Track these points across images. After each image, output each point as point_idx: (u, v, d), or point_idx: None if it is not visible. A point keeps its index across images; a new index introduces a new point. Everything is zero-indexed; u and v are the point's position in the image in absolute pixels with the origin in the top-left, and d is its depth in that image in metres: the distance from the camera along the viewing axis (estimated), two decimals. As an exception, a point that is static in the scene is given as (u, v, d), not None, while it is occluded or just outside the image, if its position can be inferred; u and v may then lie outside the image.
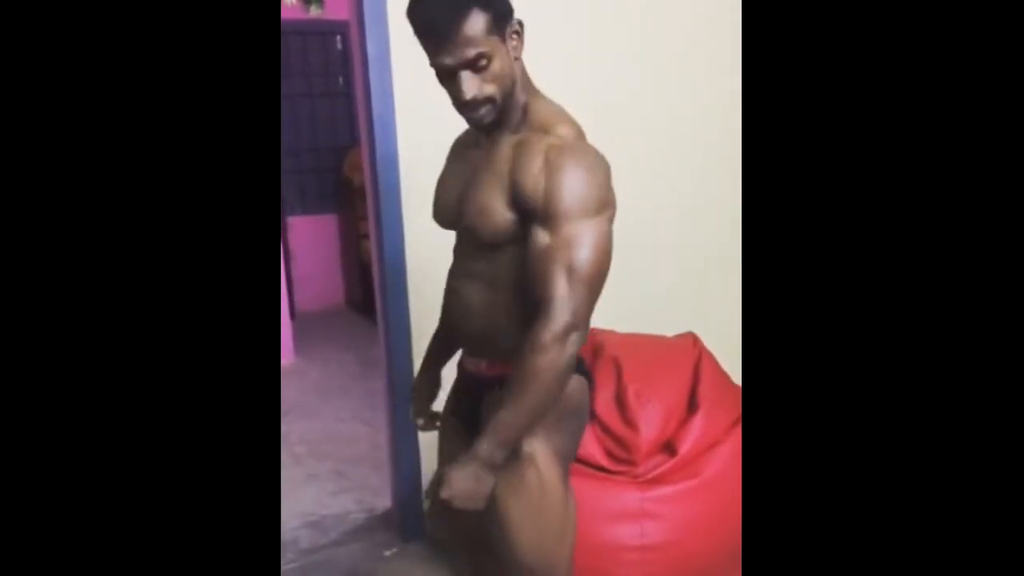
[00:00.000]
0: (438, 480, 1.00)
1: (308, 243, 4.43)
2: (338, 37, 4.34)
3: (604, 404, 1.67)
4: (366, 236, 3.04)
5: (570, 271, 0.95)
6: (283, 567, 1.96)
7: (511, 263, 1.04)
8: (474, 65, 0.98)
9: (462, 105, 1.02)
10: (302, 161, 4.38)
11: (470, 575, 1.39)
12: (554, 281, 0.95)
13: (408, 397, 1.94)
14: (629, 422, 1.62)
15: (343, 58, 4.35)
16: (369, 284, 3.09)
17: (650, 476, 1.58)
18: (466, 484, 0.98)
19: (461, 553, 1.43)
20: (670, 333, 1.90)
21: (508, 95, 1.03)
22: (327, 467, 2.54)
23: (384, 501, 2.26)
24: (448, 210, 1.14)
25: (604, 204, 1.00)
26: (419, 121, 1.78)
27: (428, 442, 1.99)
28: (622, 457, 1.61)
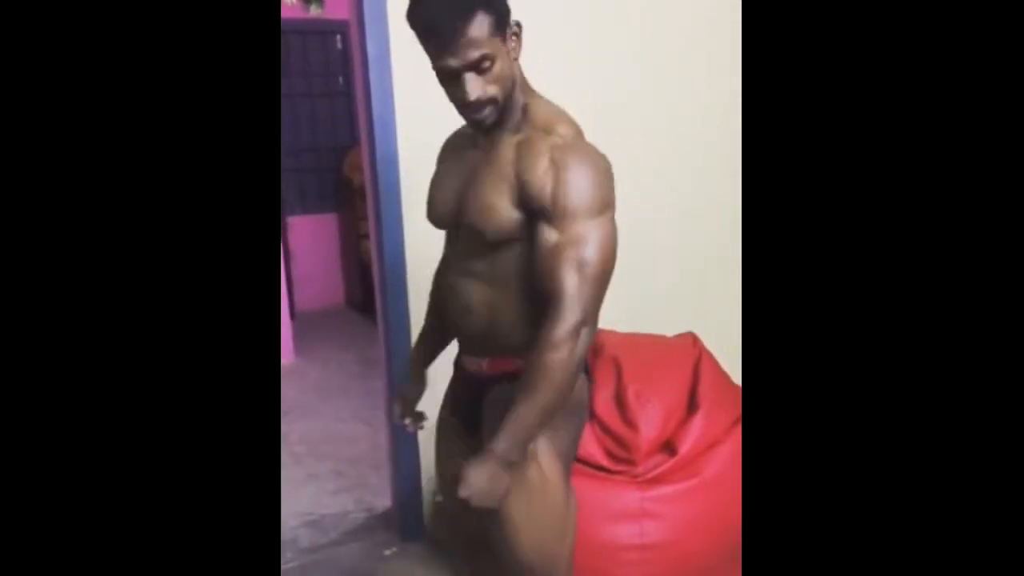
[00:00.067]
0: (454, 479, 1.00)
1: (308, 243, 4.43)
2: (338, 37, 4.34)
3: (604, 404, 1.67)
4: (366, 236, 3.04)
5: (579, 268, 0.97)
6: (283, 566, 1.96)
7: (513, 261, 1.06)
8: (478, 67, 0.99)
9: (465, 106, 1.03)
10: (302, 161, 4.38)
11: (470, 575, 1.39)
12: (564, 278, 0.97)
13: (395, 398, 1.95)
14: (629, 422, 1.62)
15: (343, 58, 4.35)
16: (369, 284, 3.09)
17: (650, 476, 1.58)
18: (484, 482, 0.98)
19: (461, 553, 1.43)
20: (670, 333, 1.90)
21: (508, 96, 1.04)
22: (327, 466, 2.54)
23: (384, 501, 2.26)
24: (445, 210, 1.14)
25: (609, 202, 1.02)
26: (419, 121, 1.78)
27: (428, 442, 1.99)
28: (622, 457, 1.61)
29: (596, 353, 1.76)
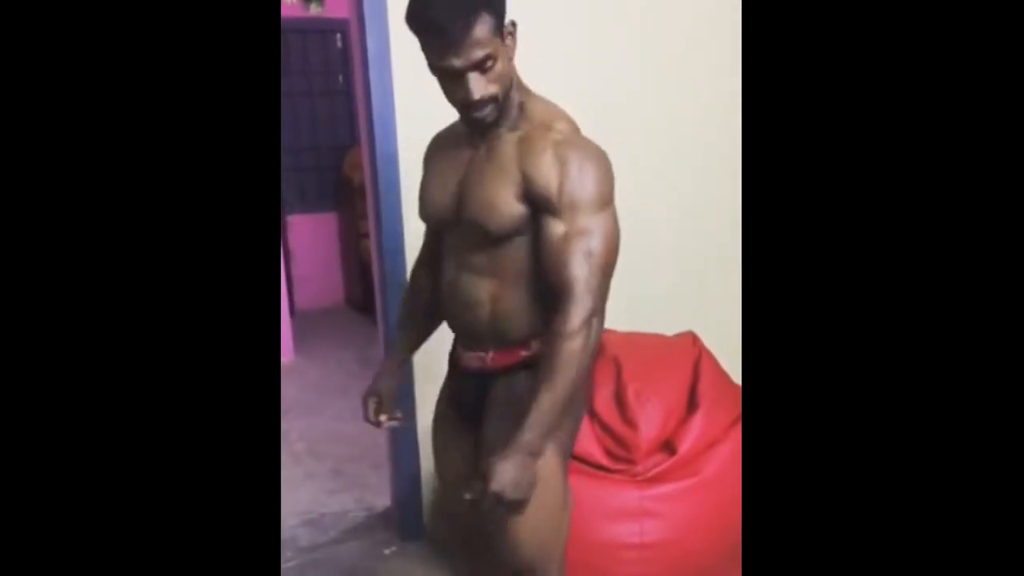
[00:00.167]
0: (482, 474, 1.01)
1: (308, 242, 4.43)
2: (338, 35, 4.33)
3: (604, 403, 1.67)
4: (366, 235, 3.04)
5: (587, 259, 1.00)
6: (282, 565, 1.96)
7: (516, 254, 1.08)
8: (481, 66, 1.01)
9: (468, 105, 1.04)
10: (302, 160, 4.38)
11: (468, 574, 1.40)
12: (574, 269, 1.00)
13: (402, 396, 1.95)
14: (629, 421, 1.62)
15: (343, 57, 4.34)
16: (369, 283, 3.09)
17: (649, 475, 1.58)
18: (514, 474, 0.99)
19: (460, 549, 1.44)
20: (670, 333, 1.90)
21: (507, 94, 1.06)
22: (326, 465, 2.54)
23: (383, 500, 2.26)
24: (442, 208, 1.15)
25: (611, 196, 1.05)
26: (419, 120, 1.78)
27: (427, 441, 1.99)
28: (622, 456, 1.61)
29: (596, 352, 1.76)
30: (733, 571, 1.58)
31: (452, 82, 1.03)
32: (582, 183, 1.02)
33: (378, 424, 1.30)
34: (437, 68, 1.03)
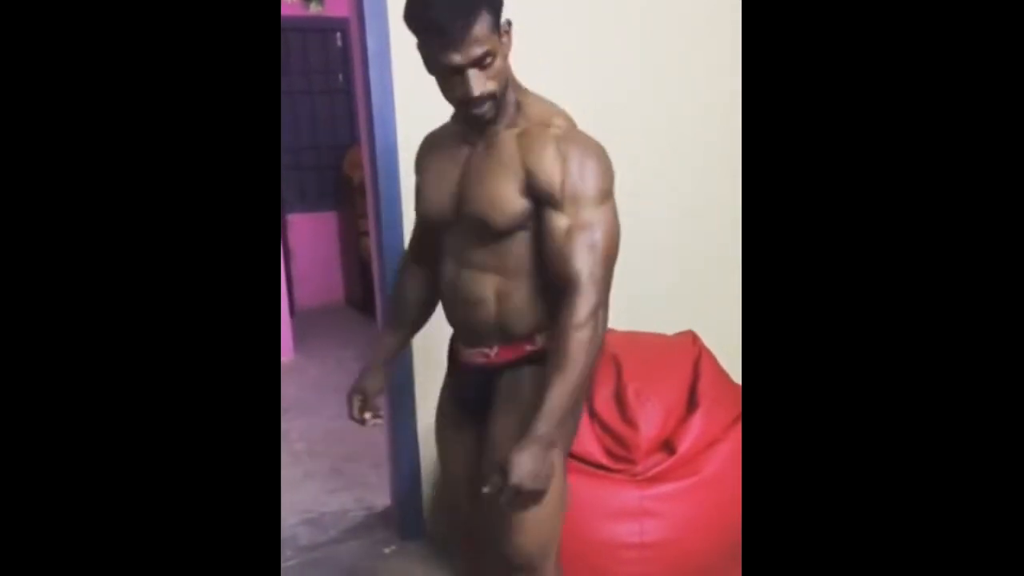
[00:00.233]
0: (500, 467, 1.02)
1: (308, 241, 4.43)
2: (338, 34, 4.33)
3: (603, 402, 1.67)
4: (366, 233, 3.04)
5: (591, 251, 1.03)
6: (282, 564, 1.96)
7: (520, 249, 1.10)
8: (481, 63, 1.02)
9: (467, 102, 1.05)
10: (302, 159, 4.37)
11: (468, 572, 1.40)
12: (579, 261, 1.02)
13: (402, 395, 1.95)
14: (628, 420, 1.62)
15: (343, 55, 4.34)
16: (369, 281, 3.08)
17: (649, 474, 1.58)
18: (532, 465, 1.00)
19: (460, 546, 1.44)
20: (670, 333, 1.90)
21: (504, 91, 1.07)
22: (326, 464, 2.54)
23: (383, 499, 2.26)
24: (442, 207, 1.16)
25: (611, 189, 1.07)
26: (419, 119, 1.78)
27: (427, 440, 1.99)
28: (621, 455, 1.61)
29: (602, 344, 1.76)
30: (733, 571, 1.58)
31: (451, 79, 1.04)
32: (583, 177, 1.04)
33: (362, 422, 1.31)
34: (437, 65, 1.04)
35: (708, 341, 1.85)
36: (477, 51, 1.00)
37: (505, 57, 1.06)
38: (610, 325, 1.81)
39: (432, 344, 1.75)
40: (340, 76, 4.42)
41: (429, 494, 2.05)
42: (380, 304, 2.00)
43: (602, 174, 1.06)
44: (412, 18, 1.03)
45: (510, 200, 1.07)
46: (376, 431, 2.66)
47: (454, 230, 1.16)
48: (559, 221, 1.04)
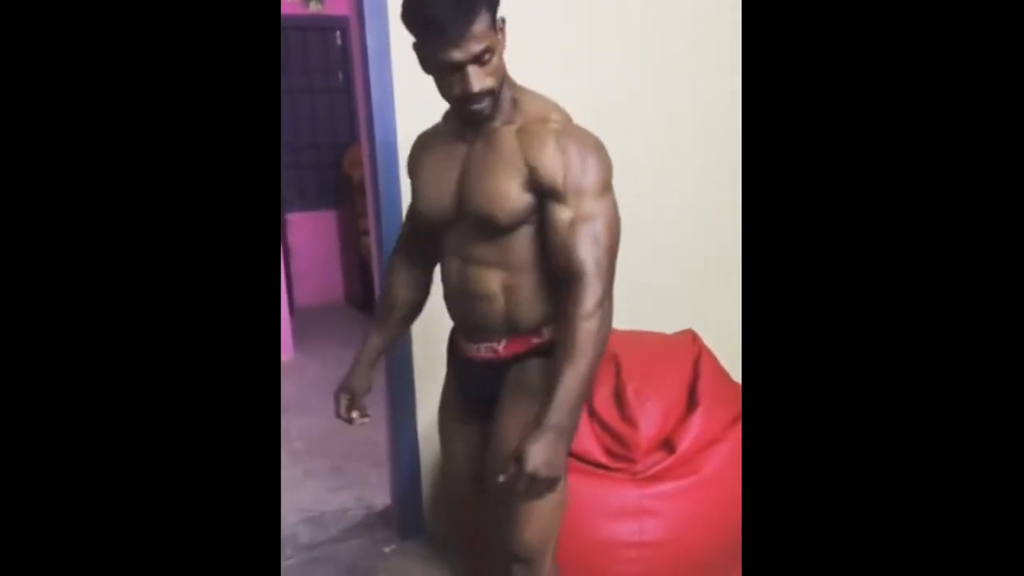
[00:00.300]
0: (514, 456, 1.03)
1: (307, 239, 4.43)
2: (338, 33, 4.33)
3: (603, 401, 1.67)
4: (365, 232, 3.04)
5: (595, 243, 1.05)
6: (282, 563, 1.96)
7: (524, 243, 1.11)
8: (480, 59, 1.03)
9: (466, 98, 1.06)
10: (302, 157, 4.37)
11: (468, 571, 1.40)
12: (583, 253, 1.04)
13: (402, 394, 1.95)
14: (628, 419, 1.62)
15: (343, 54, 4.34)
16: (368, 280, 3.09)
17: (649, 473, 1.58)
18: (546, 454, 1.01)
19: (460, 543, 1.44)
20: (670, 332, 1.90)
21: (501, 87, 1.09)
22: (326, 463, 2.54)
23: (383, 498, 2.26)
24: (442, 206, 1.16)
25: (611, 181, 1.09)
26: (419, 117, 1.78)
27: (426, 439, 1.99)
28: (621, 454, 1.61)
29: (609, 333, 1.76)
30: (733, 570, 1.58)
31: (450, 77, 1.05)
32: (584, 170, 1.06)
33: (350, 421, 1.31)
34: (435, 63, 1.05)
35: (708, 340, 1.85)
36: (477, 48, 1.02)
37: (501, 54, 1.07)
38: (610, 324, 1.81)
39: (432, 343, 1.75)
40: (340, 75, 4.42)
41: (429, 493, 2.05)
42: (380, 303, 2.00)
43: (602, 167, 1.08)
44: (411, 16, 1.04)
45: (513, 196, 1.08)
46: (376, 430, 2.67)
47: (455, 228, 1.17)
48: (562, 214, 1.06)
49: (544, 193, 1.07)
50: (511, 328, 1.16)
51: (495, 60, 1.05)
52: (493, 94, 1.07)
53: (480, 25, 1.01)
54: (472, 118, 1.10)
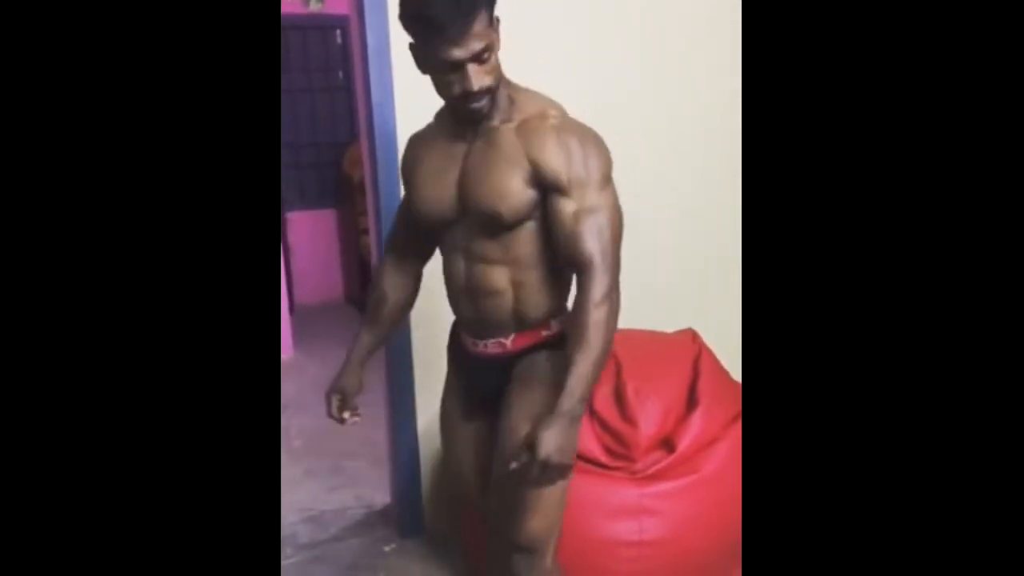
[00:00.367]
0: (527, 443, 1.04)
1: (307, 238, 4.43)
2: (338, 32, 4.33)
3: (603, 400, 1.67)
4: (365, 231, 3.04)
5: (600, 234, 1.07)
6: (282, 562, 1.96)
7: (528, 239, 1.13)
8: (479, 57, 1.04)
9: (466, 96, 1.07)
10: (301, 156, 4.37)
11: (468, 570, 1.40)
12: (589, 244, 1.07)
13: (402, 394, 1.95)
14: (628, 418, 1.62)
15: (343, 53, 4.34)
16: (368, 279, 3.08)
17: (649, 472, 1.58)
18: (559, 440, 1.03)
19: (461, 544, 1.44)
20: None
21: (498, 85, 1.09)
22: (325, 462, 2.54)
23: (383, 496, 2.26)
24: (443, 205, 1.17)
25: (611, 173, 1.11)
26: (419, 116, 1.78)
27: (426, 438, 1.99)
28: (621, 453, 1.61)
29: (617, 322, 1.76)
30: (732, 569, 1.58)
31: (449, 76, 1.06)
32: (586, 163, 1.08)
33: (342, 421, 1.32)
34: (435, 62, 1.05)
35: (708, 340, 1.85)
36: (477, 46, 1.03)
37: (497, 52, 1.08)
38: (610, 324, 1.81)
39: (432, 342, 1.75)
40: (340, 73, 4.41)
41: (429, 492, 2.05)
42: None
43: (602, 159, 1.10)
44: (410, 16, 1.04)
45: (518, 192, 1.09)
46: (376, 429, 2.67)
47: (457, 227, 1.17)
48: (567, 207, 1.08)
49: (548, 188, 1.09)
50: (519, 322, 1.18)
51: (493, 58, 1.06)
52: (491, 92, 1.08)
53: (480, 24, 1.02)
54: (471, 116, 1.11)
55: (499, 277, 1.15)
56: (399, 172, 1.84)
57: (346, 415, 1.32)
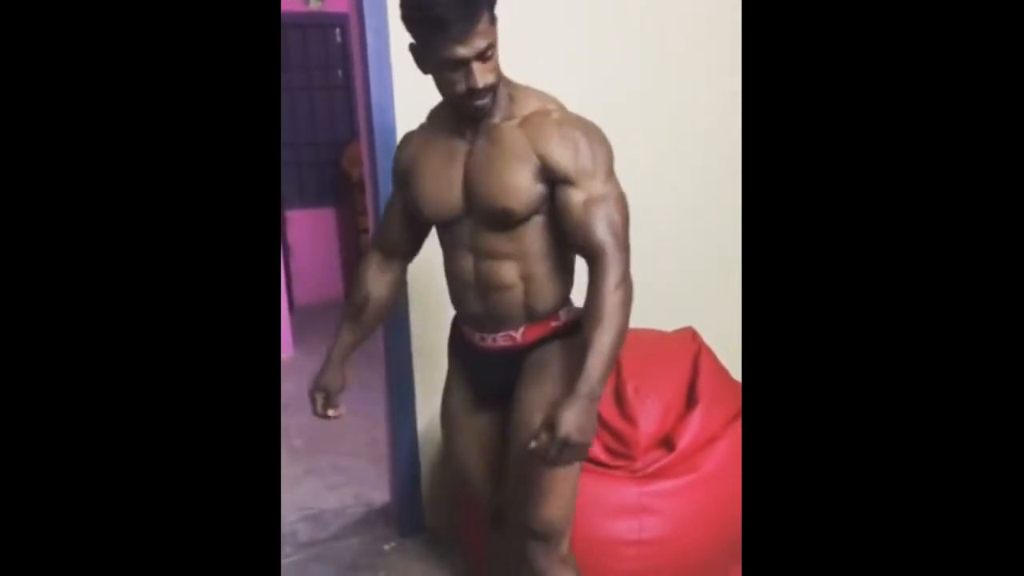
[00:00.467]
0: (546, 424, 1.05)
1: (307, 237, 4.42)
2: (337, 30, 4.32)
3: (603, 399, 1.66)
4: (365, 230, 3.04)
5: (610, 222, 1.09)
6: (282, 561, 1.96)
7: (536, 233, 1.15)
8: (483, 55, 1.05)
9: (471, 94, 1.08)
10: (301, 155, 4.37)
11: (468, 569, 1.41)
12: (601, 232, 1.09)
13: (402, 392, 1.95)
14: (628, 417, 1.62)
15: (342, 51, 4.33)
16: (368, 279, 3.07)
17: (648, 471, 1.59)
18: (579, 419, 1.03)
19: (460, 543, 1.44)
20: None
21: (499, 82, 1.11)
22: (325, 461, 2.54)
23: (382, 495, 2.26)
24: (448, 204, 1.17)
25: (613, 163, 1.14)
26: (418, 115, 1.78)
27: (426, 436, 1.99)
28: (620, 452, 1.61)
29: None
30: (732, 567, 1.58)
31: (453, 74, 1.06)
32: (592, 155, 1.10)
33: (327, 417, 1.34)
34: (438, 61, 1.06)
35: (708, 339, 1.85)
36: (482, 44, 1.04)
37: (497, 50, 1.09)
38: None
39: (432, 341, 1.75)
40: (339, 72, 4.41)
41: (429, 490, 2.05)
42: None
43: (606, 150, 1.12)
44: (413, 15, 1.04)
45: (527, 187, 1.11)
46: (376, 428, 2.66)
47: (463, 224, 1.18)
48: (576, 197, 1.10)
49: (556, 180, 1.11)
50: (529, 315, 1.19)
51: (496, 56, 1.07)
52: (494, 89, 1.09)
53: (484, 21, 1.03)
54: (474, 114, 1.11)
55: (509, 271, 1.16)
56: (397, 171, 1.85)
57: (331, 412, 1.34)
